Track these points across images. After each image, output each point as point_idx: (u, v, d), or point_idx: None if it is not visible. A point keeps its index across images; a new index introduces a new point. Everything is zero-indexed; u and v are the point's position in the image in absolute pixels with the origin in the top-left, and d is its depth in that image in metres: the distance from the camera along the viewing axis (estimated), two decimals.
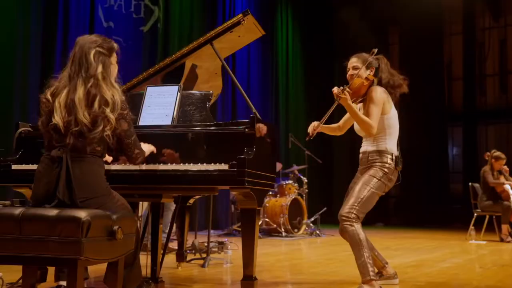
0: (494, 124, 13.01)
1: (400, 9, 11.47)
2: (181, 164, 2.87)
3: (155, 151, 2.87)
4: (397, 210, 12.63)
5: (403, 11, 11.47)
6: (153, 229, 3.19)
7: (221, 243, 5.79)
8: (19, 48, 6.36)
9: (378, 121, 3.32)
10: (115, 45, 2.73)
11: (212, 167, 2.77)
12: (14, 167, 3.04)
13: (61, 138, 2.47)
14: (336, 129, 3.76)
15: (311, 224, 8.33)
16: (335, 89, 3.27)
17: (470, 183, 8.21)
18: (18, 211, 2.19)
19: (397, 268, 4.42)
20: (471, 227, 7.80)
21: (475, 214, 7.83)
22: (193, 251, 5.22)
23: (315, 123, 3.54)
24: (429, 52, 11.84)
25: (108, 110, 2.45)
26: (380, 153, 3.41)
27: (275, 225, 7.88)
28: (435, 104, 12.04)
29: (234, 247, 5.96)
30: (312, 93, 11.63)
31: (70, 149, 2.44)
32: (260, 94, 10.45)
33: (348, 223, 3.23)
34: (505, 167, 7.72)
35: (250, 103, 3.39)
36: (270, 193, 8.33)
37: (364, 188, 3.33)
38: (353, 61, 3.47)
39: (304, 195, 8.54)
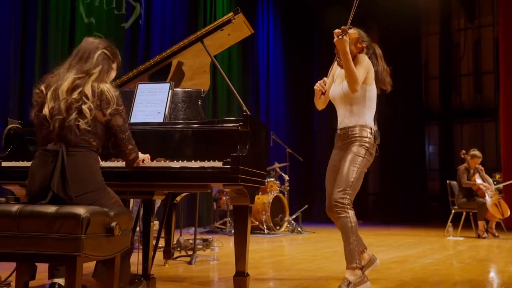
0: (469, 123, 13.29)
1: (378, 9, 11.61)
2: (174, 161, 2.89)
3: (148, 159, 2.87)
4: (376, 208, 12.81)
5: (381, 10, 11.63)
6: (145, 226, 3.19)
7: (205, 240, 5.80)
8: None
9: (360, 90, 3.33)
10: (119, 53, 2.77)
11: (206, 164, 2.79)
12: (3, 164, 3.01)
13: (49, 127, 2.48)
14: (324, 100, 3.68)
15: (292, 222, 8.40)
16: (337, 30, 3.23)
17: (447, 181, 8.39)
18: (15, 208, 2.18)
19: (382, 264, 4.49)
20: (449, 223, 7.97)
21: (453, 211, 8.01)
22: (179, 249, 5.23)
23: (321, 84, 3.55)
24: (407, 52, 12.02)
25: (87, 104, 2.45)
26: (360, 127, 3.41)
27: (257, 223, 7.91)
28: (412, 103, 12.23)
29: (219, 244, 6.00)
30: (293, 91, 11.71)
31: (66, 143, 2.45)
32: (240, 92, 10.46)
33: (342, 209, 3.24)
34: (480, 166, 7.90)
35: (241, 101, 3.42)
36: None
37: (352, 170, 3.33)
38: (351, 31, 3.42)
39: (285, 193, 8.61)
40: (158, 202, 5.27)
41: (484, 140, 12.90)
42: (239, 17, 3.49)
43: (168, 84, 3.26)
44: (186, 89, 3.31)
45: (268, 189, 8.29)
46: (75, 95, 2.48)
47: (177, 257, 4.82)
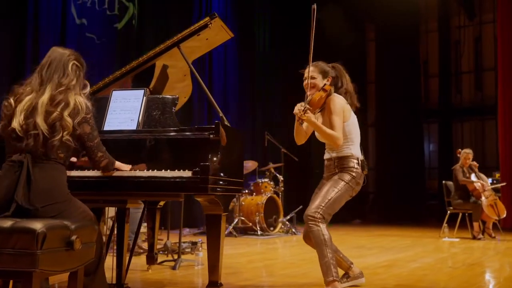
0: (469, 121, 13.19)
1: (377, 7, 11.52)
2: (145, 170, 2.84)
3: (128, 168, 2.83)
4: (374, 207, 12.75)
5: (380, 8, 11.53)
6: (119, 234, 3.15)
7: (194, 243, 5.76)
8: None
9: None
10: (84, 62, 2.75)
11: (176, 173, 2.75)
12: None
13: (19, 142, 2.45)
14: (304, 134, 3.71)
15: (287, 222, 8.35)
16: (297, 110, 3.27)
17: (443, 181, 8.31)
18: None
19: (369, 269, 4.48)
20: (444, 224, 7.91)
21: (448, 212, 7.94)
22: (166, 252, 5.19)
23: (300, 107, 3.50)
24: (406, 50, 11.94)
25: (66, 113, 2.45)
26: (346, 158, 3.44)
27: (250, 224, 7.88)
28: (411, 101, 12.16)
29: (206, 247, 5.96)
30: (289, 91, 11.61)
31: (32, 154, 2.42)
32: (237, 92, 10.42)
33: (314, 223, 3.25)
34: (474, 163, 7.82)
35: (217, 107, 3.37)
36: (246, 191, 8.34)
37: (332, 190, 3.36)
38: (310, 70, 3.46)
39: (280, 193, 8.56)
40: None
41: (484, 138, 12.81)
42: (215, 22, 3.43)
43: (143, 91, 3.21)
44: (161, 96, 3.26)
45: (262, 190, 8.25)
46: (58, 109, 2.46)
47: (162, 262, 4.78)
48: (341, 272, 3.73)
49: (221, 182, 2.86)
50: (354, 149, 3.47)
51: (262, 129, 9.32)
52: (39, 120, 2.41)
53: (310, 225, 3.27)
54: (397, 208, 11.71)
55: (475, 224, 7.61)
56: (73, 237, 2.23)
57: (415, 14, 12.30)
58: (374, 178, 12.76)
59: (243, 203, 8.03)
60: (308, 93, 3.45)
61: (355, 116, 3.54)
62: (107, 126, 3.14)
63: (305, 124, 3.54)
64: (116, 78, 3.50)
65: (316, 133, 3.58)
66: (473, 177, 7.73)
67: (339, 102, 3.41)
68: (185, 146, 2.90)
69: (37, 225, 2.10)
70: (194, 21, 9.57)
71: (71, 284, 2.37)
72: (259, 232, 7.74)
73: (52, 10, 7.07)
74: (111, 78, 3.52)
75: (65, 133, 2.44)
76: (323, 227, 3.25)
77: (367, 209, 12.54)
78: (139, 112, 3.13)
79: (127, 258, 3.25)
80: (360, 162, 3.46)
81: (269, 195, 8.04)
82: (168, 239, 5.37)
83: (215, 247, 2.98)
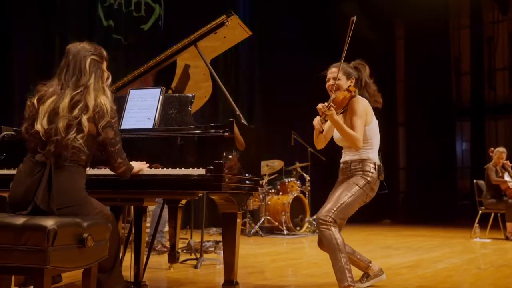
0: (504, 119, 12.82)
1: (406, 3, 11.31)
2: (160, 168, 2.85)
3: (145, 169, 2.83)
4: (405, 207, 12.53)
5: (409, 5, 11.31)
6: (136, 232, 3.17)
7: (217, 242, 5.78)
8: (15, 48, 6.39)
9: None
10: (105, 53, 2.73)
11: (190, 172, 2.74)
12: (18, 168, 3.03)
13: (42, 145, 2.47)
14: (323, 139, 3.66)
15: (313, 222, 8.28)
16: (320, 106, 3.24)
17: (474, 181, 8.11)
18: None
19: (393, 269, 4.41)
20: (476, 224, 7.71)
21: (480, 212, 7.74)
22: (189, 251, 5.21)
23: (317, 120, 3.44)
24: (436, 47, 11.68)
25: (85, 117, 2.44)
26: (363, 162, 3.38)
27: (277, 223, 7.85)
28: (442, 99, 11.89)
29: None
30: (314, 91, 11.53)
31: (55, 157, 2.44)
32: (263, 91, 10.40)
33: (325, 226, 3.20)
34: (507, 162, 7.61)
35: (234, 105, 3.37)
36: (273, 190, 8.32)
37: (345, 194, 3.31)
38: (333, 71, 3.44)
39: (306, 193, 8.50)
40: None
41: None
42: (232, 20, 3.43)
43: (159, 90, 3.22)
44: (177, 95, 3.27)
45: (288, 189, 8.22)
46: (75, 112, 2.46)
47: (184, 261, 4.81)
48: (360, 272, 3.69)
49: (236, 180, 2.84)
50: (372, 154, 3.41)
51: (289, 128, 9.26)
52: (60, 125, 2.41)
53: (322, 229, 3.22)
54: (427, 208, 11.49)
55: (508, 225, 7.39)
56: (85, 235, 2.25)
57: (445, 10, 12.03)
58: (404, 178, 12.55)
59: (269, 202, 8.01)
60: (332, 95, 3.40)
61: (377, 122, 3.49)
62: (124, 125, 3.16)
63: (327, 125, 3.48)
64: (134, 77, 3.54)
65: (335, 136, 3.54)
66: (506, 177, 7.52)
67: (363, 104, 3.37)
68: (200, 144, 2.90)
69: (49, 222, 2.12)
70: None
71: (84, 281, 2.40)
72: (285, 232, 7.70)
73: (80, 12, 7.20)
74: (129, 78, 3.55)
75: (79, 136, 2.43)
76: (335, 231, 3.20)
77: (397, 209, 12.33)
78: (156, 111, 3.14)
79: (145, 256, 3.25)
80: (376, 167, 3.40)
81: (295, 195, 8.00)
82: (191, 238, 5.39)
83: (230, 246, 2.97)
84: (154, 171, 2.82)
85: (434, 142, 11.70)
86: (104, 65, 2.71)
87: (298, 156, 9.17)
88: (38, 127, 2.46)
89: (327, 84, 3.44)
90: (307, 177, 8.53)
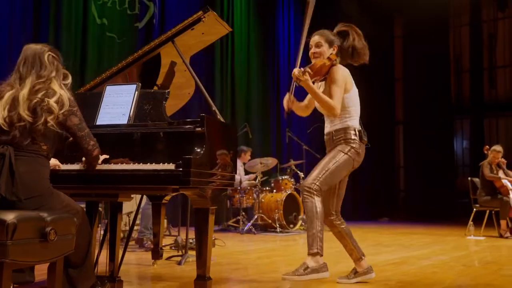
0: (505, 117, 12.75)
1: (405, 1, 11.27)
2: (131, 163, 2.86)
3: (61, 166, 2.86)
4: (404, 205, 12.51)
5: (408, 3, 11.28)
6: (111, 228, 3.18)
7: None
8: (3, 47, 6.41)
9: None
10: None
11: (159, 167, 2.75)
12: None
13: (3, 135, 2.49)
14: (304, 107, 3.72)
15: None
16: (296, 71, 3.28)
17: (469, 178, 8.08)
18: None
19: (377, 266, 4.39)
20: (470, 222, 7.68)
21: (474, 209, 7.71)
22: (177, 248, 5.22)
23: (286, 98, 3.54)
24: (435, 45, 11.63)
25: (52, 100, 2.47)
26: (344, 130, 3.44)
27: (270, 221, 7.85)
28: (441, 97, 11.85)
29: (221, 243, 5.97)
30: None
31: (15, 147, 2.46)
32: (260, 89, 10.39)
33: (308, 193, 3.29)
34: (503, 160, 7.57)
35: (210, 101, 3.37)
36: (267, 188, 8.32)
37: (330, 161, 3.41)
38: (316, 39, 3.49)
39: (301, 191, 8.47)
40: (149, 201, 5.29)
41: None
42: (209, 16, 3.42)
43: (135, 86, 3.22)
44: (152, 90, 3.27)
45: (282, 187, 8.22)
46: (39, 95, 2.49)
47: (170, 257, 4.82)
48: (350, 266, 3.70)
49: (207, 175, 2.84)
50: (352, 121, 3.46)
51: (284, 125, 9.27)
52: (22, 111, 2.44)
53: (305, 196, 3.31)
54: (426, 206, 11.46)
55: (502, 222, 7.38)
56: (48, 229, 2.25)
57: (444, 8, 11.98)
58: (403, 177, 12.51)
59: (262, 200, 8.01)
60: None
61: (357, 90, 3.54)
62: (100, 121, 3.17)
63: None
64: (112, 73, 3.53)
65: (316, 105, 3.55)
66: (500, 174, 7.49)
67: (342, 73, 3.41)
68: (171, 140, 2.90)
69: (9, 216, 2.13)
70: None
71: (50, 276, 2.40)
72: (278, 229, 7.70)
73: (73, 10, 7.21)
74: (104, 76, 3.55)
75: (50, 118, 2.46)
76: (317, 199, 3.28)
77: (396, 207, 12.30)
78: (131, 107, 3.15)
79: (119, 252, 3.26)
80: (357, 132, 3.45)
81: (289, 192, 8.00)
82: (179, 235, 5.40)
83: (203, 241, 2.97)
84: (124, 166, 2.82)
85: (433, 140, 11.66)
86: (60, 65, 2.72)
87: (293, 153, 9.17)
88: None
89: (310, 52, 3.47)
90: (302, 175, 8.52)
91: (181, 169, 2.68)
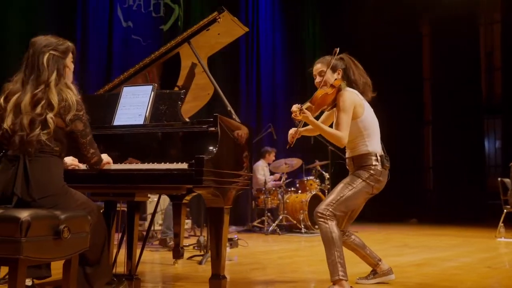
0: None
1: None
2: (146, 163, 2.90)
3: (111, 162, 2.88)
4: (433, 206, 12.27)
5: (434, 0, 11.08)
6: (129, 226, 3.23)
7: (230, 239, 5.81)
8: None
9: (350, 127, 3.24)
10: (71, 45, 2.72)
11: (173, 166, 2.78)
12: None
13: (10, 141, 2.52)
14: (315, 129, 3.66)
15: None
16: (294, 108, 3.18)
17: (499, 179, 7.88)
18: None
19: (400, 267, 4.35)
20: (501, 224, 7.49)
21: (505, 211, 7.51)
22: (199, 248, 5.26)
23: (292, 131, 3.45)
24: (464, 43, 11.37)
25: (50, 114, 2.48)
26: (364, 156, 3.33)
27: (294, 222, 7.83)
28: (471, 96, 11.57)
29: (244, 243, 5.99)
30: None
31: (27, 150, 2.50)
32: (285, 90, 10.39)
33: (322, 220, 3.19)
34: None
35: (226, 101, 3.38)
36: (292, 189, 8.31)
37: (346, 187, 3.29)
38: (318, 67, 3.39)
39: (326, 191, 8.43)
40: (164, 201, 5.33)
41: None
42: (224, 16, 3.45)
43: (151, 86, 3.27)
44: (168, 91, 3.31)
45: (307, 188, 8.19)
46: (38, 109, 2.49)
47: (191, 257, 4.86)
48: (370, 267, 3.66)
49: (221, 175, 2.86)
50: (372, 145, 3.34)
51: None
52: (24, 122, 2.47)
53: (320, 222, 3.21)
54: (456, 207, 11.22)
55: None
56: (61, 226, 2.30)
57: (474, 4, 11.71)
58: (432, 177, 12.29)
59: (287, 200, 8.00)
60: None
61: (371, 110, 3.41)
62: (117, 121, 3.22)
63: (325, 115, 3.46)
64: (130, 75, 3.59)
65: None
66: None
67: (349, 98, 3.27)
68: (185, 139, 2.93)
69: (23, 214, 2.18)
70: (242, 19, 9.68)
71: (65, 273, 2.46)
72: (303, 230, 7.67)
73: (100, 13, 7.36)
74: (121, 78, 3.61)
75: (44, 132, 2.46)
76: (331, 224, 3.18)
77: (425, 208, 12.08)
78: (147, 107, 3.19)
79: (137, 251, 3.30)
80: (379, 158, 3.33)
81: (314, 193, 7.96)
82: (201, 234, 5.44)
83: (217, 240, 2.99)
84: (139, 166, 2.87)
85: (462, 140, 11.42)
86: (69, 59, 2.69)
87: (318, 154, 9.12)
88: (5, 125, 2.51)
89: (315, 81, 3.41)
90: (327, 176, 8.47)
91: (193, 168, 2.70)
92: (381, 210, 11.07)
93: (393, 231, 8.59)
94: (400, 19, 11.15)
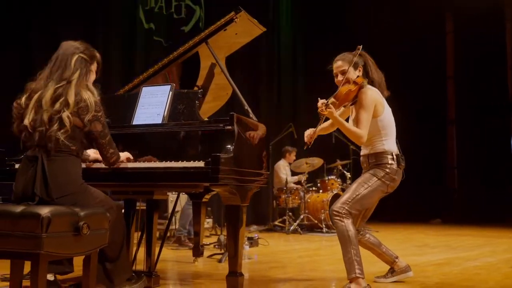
0: None
1: None
2: (164, 161, 2.95)
3: (131, 158, 2.95)
4: (458, 206, 12.11)
5: None
6: (148, 224, 3.29)
7: (250, 238, 5.85)
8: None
9: (370, 125, 3.25)
10: (98, 55, 2.84)
11: (189, 164, 2.82)
12: (17, 166, 3.23)
13: (30, 138, 2.61)
14: (330, 126, 3.67)
15: None
16: (320, 104, 3.19)
17: None
18: None
19: (419, 266, 4.33)
20: None
21: None
22: (219, 247, 5.31)
23: (309, 132, 3.48)
24: (489, 40, 11.16)
25: (66, 112, 2.55)
26: (381, 154, 3.34)
27: (316, 221, 7.83)
28: (496, 95, 11.38)
29: (265, 243, 6.02)
30: None
31: (44, 149, 2.58)
32: (306, 88, 10.38)
33: (338, 218, 3.19)
34: None
35: (243, 100, 3.42)
36: (313, 188, 8.30)
37: (361, 186, 3.30)
38: (339, 65, 3.38)
39: None
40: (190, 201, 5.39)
41: None
42: (241, 16, 3.48)
43: (169, 86, 3.32)
44: (186, 90, 3.35)
45: (328, 187, 8.18)
46: (56, 105, 2.57)
47: (211, 255, 4.91)
48: (386, 267, 3.66)
49: (237, 173, 2.89)
50: (388, 144, 3.35)
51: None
52: (45, 116, 2.55)
53: (335, 220, 3.22)
54: (481, 207, 11.03)
55: None
56: (81, 223, 2.37)
57: (500, 0, 11.50)
58: (457, 177, 12.11)
59: (308, 200, 8.00)
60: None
61: (390, 109, 3.42)
62: (136, 121, 3.28)
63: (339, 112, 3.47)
64: (149, 75, 3.65)
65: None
66: None
67: (371, 96, 3.28)
68: (202, 138, 2.97)
69: (44, 211, 2.25)
70: (262, 23, 9.71)
71: (85, 268, 2.52)
72: (324, 230, 7.66)
73: (122, 16, 7.47)
74: (140, 78, 3.67)
75: (61, 131, 2.53)
76: (347, 222, 3.19)
77: (449, 208, 11.93)
78: (165, 107, 3.24)
79: (156, 249, 3.36)
80: (395, 157, 3.34)
81: (335, 192, 7.94)
82: (221, 233, 5.49)
83: (234, 238, 3.02)
84: (157, 164, 2.92)
85: (488, 139, 11.24)
86: (93, 66, 2.81)
87: (340, 153, 9.09)
88: (25, 121, 2.59)
89: (336, 80, 3.41)
90: (348, 175, 8.44)
91: (210, 166, 2.74)
92: (405, 210, 10.99)
93: (415, 231, 8.51)
94: (423, 16, 11.02)
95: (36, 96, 2.61)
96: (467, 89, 11.54)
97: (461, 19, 11.40)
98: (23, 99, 2.66)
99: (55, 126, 2.54)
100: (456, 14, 11.60)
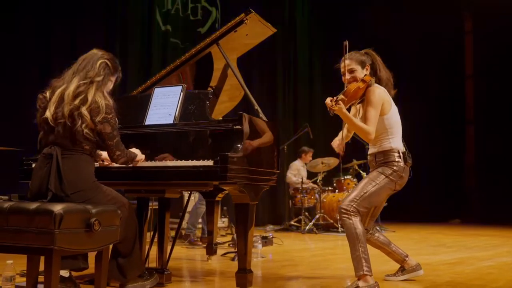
0: None
1: None
2: (175, 160, 3.02)
3: (143, 158, 3.04)
4: (477, 206, 11.98)
5: None
6: (160, 223, 3.37)
7: (265, 237, 5.90)
8: (79, 49, 6.84)
9: (377, 123, 3.28)
10: (120, 70, 2.99)
11: (199, 163, 2.89)
12: (34, 165, 3.34)
13: (50, 132, 2.73)
14: (348, 133, 3.70)
15: None
16: (328, 101, 3.22)
17: None
18: (6, 205, 2.44)
19: (432, 265, 4.33)
20: None
21: None
22: (234, 245, 5.37)
23: (337, 142, 3.57)
24: (509, 39, 11.03)
25: (84, 108, 2.67)
26: (387, 152, 3.36)
27: (332, 221, 7.84)
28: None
29: (279, 242, 6.07)
30: None
31: (60, 146, 2.69)
32: (322, 88, 10.40)
33: (346, 215, 3.22)
34: None
35: (253, 100, 3.47)
36: (329, 188, 8.32)
37: (369, 183, 3.32)
38: (347, 64, 3.41)
39: None
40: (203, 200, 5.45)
41: None
42: (251, 17, 3.53)
43: (180, 87, 3.39)
44: (196, 91, 3.42)
45: (344, 187, 8.19)
46: (77, 101, 2.70)
47: (225, 253, 4.97)
48: (397, 266, 3.68)
49: (246, 172, 2.95)
50: (395, 143, 3.38)
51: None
52: (66, 109, 2.67)
53: (343, 218, 3.25)
54: (501, 208, 10.90)
55: None
56: (92, 219, 2.45)
57: None
58: (475, 177, 11.98)
59: (324, 200, 8.02)
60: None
61: (396, 108, 3.44)
62: (148, 121, 3.36)
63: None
64: (162, 76, 3.73)
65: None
66: None
67: (378, 94, 3.31)
68: (212, 137, 3.04)
69: (56, 207, 2.34)
70: (277, 25, 9.75)
71: (97, 263, 2.60)
72: (340, 230, 7.66)
73: (139, 18, 7.59)
74: (153, 80, 3.76)
75: (83, 125, 2.67)
76: (355, 220, 3.22)
77: (468, 209, 11.81)
78: (176, 107, 3.31)
79: (168, 246, 3.43)
80: (401, 155, 3.37)
81: None
82: (235, 233, 5.54)
83: (243, 235, 3.07)
84: (167, 163, 3.00)
85: (506, 139, 11.10)
86: (114, 78, 2.94)
87: (356, 153, 9.08)
88: (47, 114, 2.72)
89: (343, 78, 3.44)
90: (364, 175, 8.42)
91: (218, 165, 2.80)
92: (423, 211, 10.92)
93: (432, 231, 8.47)
94: (442, 16, 10.95)
95: (59, 90, 2.74)
96: (485, 89, 11.42)
97: (480, 19, 11.28)
98: (48, 93, 2.78)
99: (79, 122, 2.66)
100: (475, 14, 11.48)
